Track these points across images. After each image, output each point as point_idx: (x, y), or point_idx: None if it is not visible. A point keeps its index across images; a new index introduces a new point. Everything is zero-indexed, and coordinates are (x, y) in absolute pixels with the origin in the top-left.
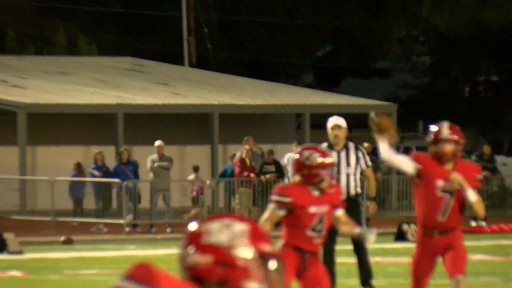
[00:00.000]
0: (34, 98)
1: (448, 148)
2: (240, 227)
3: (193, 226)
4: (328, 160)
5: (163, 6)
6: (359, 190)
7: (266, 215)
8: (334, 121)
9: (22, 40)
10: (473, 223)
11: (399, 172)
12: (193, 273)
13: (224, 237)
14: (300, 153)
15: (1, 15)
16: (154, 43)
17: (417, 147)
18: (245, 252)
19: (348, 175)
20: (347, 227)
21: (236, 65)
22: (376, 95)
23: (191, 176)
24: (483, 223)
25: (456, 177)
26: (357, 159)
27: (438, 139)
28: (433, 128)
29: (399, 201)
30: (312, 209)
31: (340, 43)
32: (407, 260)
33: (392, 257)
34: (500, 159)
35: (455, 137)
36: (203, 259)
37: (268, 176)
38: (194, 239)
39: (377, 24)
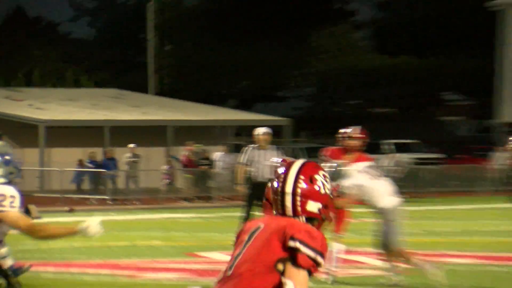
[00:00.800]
0: (51, 116)
1: (353, 143)
2: (328, 176)
3: (303, 179)
4: None
5: (137, 54)
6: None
7: None
8: (263, 129)
9: (44, 77)
10: None
11: None
12: (308, 216)
13: (328, 187)
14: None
15: (31, 61)
16: (131, 80)
17: (306, 148)
18: (333, 193)
19: (269, 166)
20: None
21: (185, 93)
22: (277, 114)
23: (165, 166)
24: None
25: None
26: (276, 155)
27: (348, 136)
28: (346, 128)
29: None
30: None
31: (254, 79)
32: None
33: None
34: None
35: (360, 136)
36: (318, 206)
37: (203, 167)
38: (314, 192)
39: (279, 67)
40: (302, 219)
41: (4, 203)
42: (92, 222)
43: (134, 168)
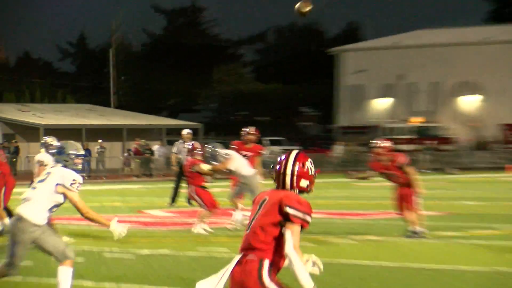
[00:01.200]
0: (47, 122)
1: (251, 137)
2: (312, 163)
3: (297, 164)
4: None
5: (103, 81)
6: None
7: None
8: (186, 130)
9: (42, 96)
10: None
11: None
12: (300, 189)
13: (313, 169)
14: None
15: (34, 85)
16: (99, 98)
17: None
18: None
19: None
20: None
21: (134, 107)
22: (194, 120)
23: (126, 153)
24: None
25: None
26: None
27: (247, 133)
28: (246, 128)
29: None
30: None
31: (178, 97)
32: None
33: None
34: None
35: (255, 133)
36: (307, 183)
37: (146, 155)
38: (304, 173)
39: (194, 90)
40: (296, 191)
41: (74, 186)
42: (119, 226)
43: (102, 155)
